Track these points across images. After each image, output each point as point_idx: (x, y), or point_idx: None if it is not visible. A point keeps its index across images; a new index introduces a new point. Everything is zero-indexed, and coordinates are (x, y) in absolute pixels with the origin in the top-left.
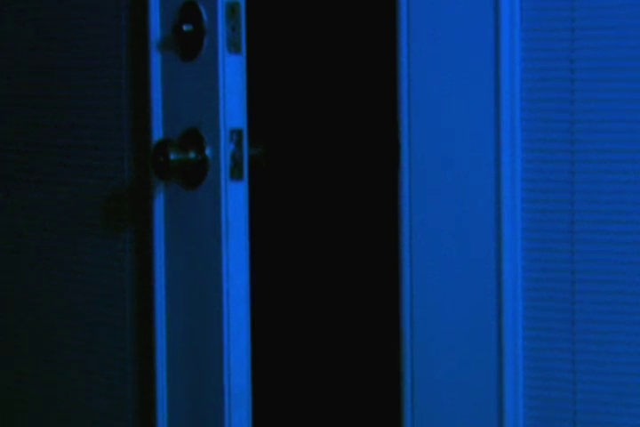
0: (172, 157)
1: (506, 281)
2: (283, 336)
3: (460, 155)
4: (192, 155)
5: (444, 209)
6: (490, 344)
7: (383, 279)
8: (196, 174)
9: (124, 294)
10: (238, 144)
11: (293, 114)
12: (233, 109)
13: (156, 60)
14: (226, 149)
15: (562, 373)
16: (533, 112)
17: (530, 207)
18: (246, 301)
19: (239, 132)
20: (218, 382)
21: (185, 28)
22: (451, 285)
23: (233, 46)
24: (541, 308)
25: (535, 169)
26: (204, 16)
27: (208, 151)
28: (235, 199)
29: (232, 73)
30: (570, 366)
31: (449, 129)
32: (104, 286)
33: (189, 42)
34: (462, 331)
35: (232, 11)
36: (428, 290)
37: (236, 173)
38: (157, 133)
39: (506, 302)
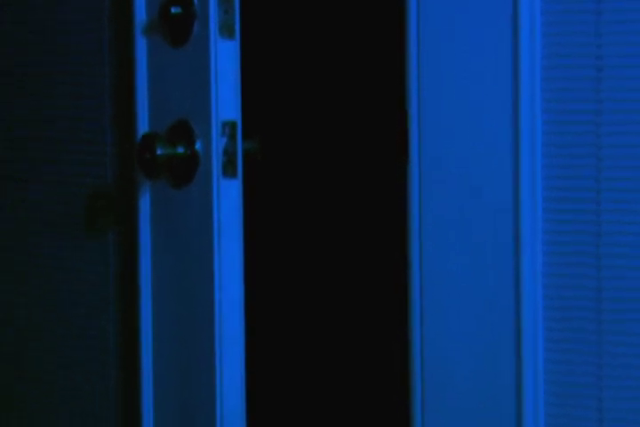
0: (159, 152)
1: (524, 284)
2: (283, 342)
3: (474, 147)
4: (181, 150)
5: (456, 208)
6: (507, 349)
7: (389, 281)
8: (185, 171)
9: (107, 303)
10: (231, 137)
11: (291, 105)
12: (226, 100)
13: (141, 45)
14: (218, 142)
15: (586, 404)
16: (554, 103)
17: (551, 207)
18: (240, 311)
19: (232, 125)
20: (208, 401)
21: (173, 10)
22: (463, 288)
23: (226, 31)
24: (563, 307)
25: (557, 165)
26: None
27: (198, 145)
28: (228, 198)
29: (225, 60)
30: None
31: (463, 120)
32: (84, 293)
33: (178, 26)
34: (475, 334)
35: None
36: (438, 293)
37: (229, 170)
38: (143, 126)
39: (525, 305)
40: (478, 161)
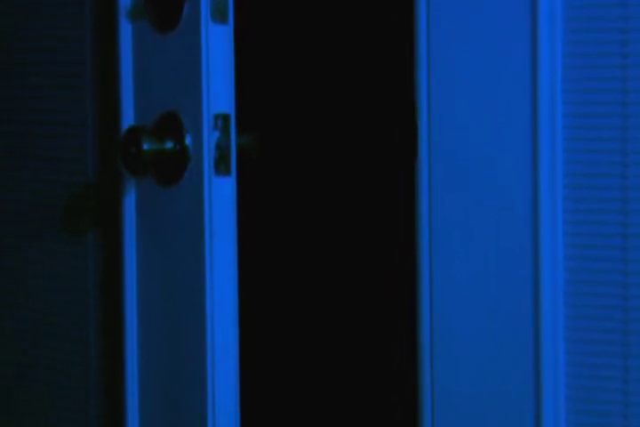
0: (145, 146)
1: (544, 290)
2: (282, 350)
3: (489, 143)
4: (169, 144)
5: (469, 209)
6: (525, 359)
7: (393, 285)
8: (173, 168)
9: (86, 315)
10: (224, 132)
11: (290, 97)
12: (218, 90)
13: (125, 31)
14: (210, 137)
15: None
16: (574, 93)
17: (572, 207)
18: (234, 320)
19: (225, 118)
20: (199, 420)
21: None
22: (477, 294)
23: (218, 14)
24: (586, 316)
25: (579, 160)
26: None
27: (188, 140)
28: (220, 198)
29: (217, 46)
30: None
31: (476, 113)
32: (62, 301)
33: (166, 9)
34: (489, 341)
35: None
36: (450, 298)
37: (221, 167)
38: (128, 119)
39: (544, 315)
40: (493, 158)
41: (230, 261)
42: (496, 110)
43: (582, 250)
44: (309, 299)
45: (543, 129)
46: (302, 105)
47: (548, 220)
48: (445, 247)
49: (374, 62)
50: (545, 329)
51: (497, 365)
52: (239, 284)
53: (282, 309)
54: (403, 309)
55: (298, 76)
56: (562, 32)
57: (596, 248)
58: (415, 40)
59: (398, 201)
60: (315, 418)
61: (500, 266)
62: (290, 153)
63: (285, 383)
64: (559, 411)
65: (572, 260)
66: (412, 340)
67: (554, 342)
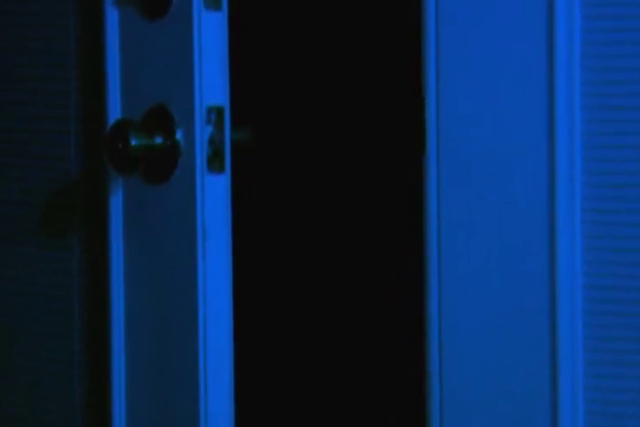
0: (133, 142)
1: (561, 295)
2: (281, 356)
3: (502, 138)
4: (159, 140)
5: (480, 208)
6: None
7: (396, 286)
8: (163, 165)
9: (71, 322)
10: (218, 126)
11: (288, 89)
12: (211, 81)
13: (112, 18)
14: (202, 131)
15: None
16: (594, 86)
17: (590, 206)
18: (228, 328)
19: (219, 111)
20: None
21: None
22: (488, 295)
23: (212, 0)
24: (605, 325)
25: (599, 158)
26: None
27: (179, 135)
28: (214, 197)
29: (210, 34)
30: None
31: (488, 106)
32: (44, 309)
33: None
34: (502, 347)
35: None
36: (460, 303)
37: (215, 163)
38: (114, 112)
39: (561, 310)
40: (507, 153)
41: (224, 265)
42: (510, 103)
43: (599, 240)
44: (310, 300)
45: (560, 126)
46: (302, 98)
47: (565, 219)
48: (454, 245)
49: (379, 53)
50: (562, 325)
51: (511, 362)
52: (235, 287)
53: (281, 310)
54: (409, 308)
55: (298, 67)
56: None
57: (617, 239)
58: (423, 29)
59: (402, 198)
60: (316, 420)
61: (515, 263)
62: (288, 149)
63: (286, 386)
64: (577, 414)
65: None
66: (419, 339)
67: (572, 340)
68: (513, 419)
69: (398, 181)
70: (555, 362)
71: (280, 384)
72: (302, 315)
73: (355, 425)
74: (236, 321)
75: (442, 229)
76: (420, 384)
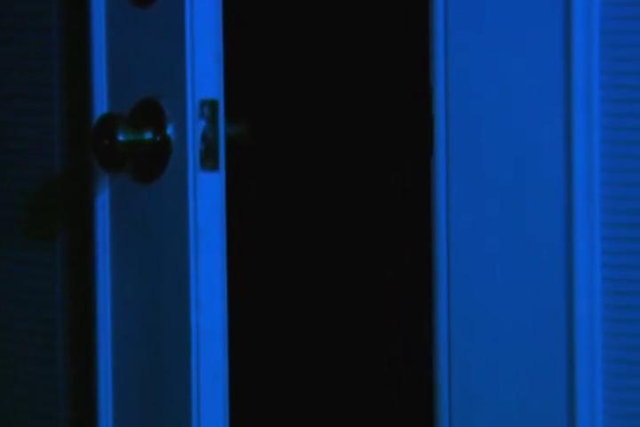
0: (120, 137)
1: (578, 299)
2: (281, 363)
3: (516, 133)
4: (148, 135)
5: (493, 209)
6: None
7: (396, 284)
8: (153, 162)
9: (53, 332)
10: (212, 120)
11: (286, 82)
12: (204, 73)
13: (98, 4)
14: (195, 126)
15: None
16: (613, 76)
17: (609, 207)
18: (223, 336)
19: (213, 104)
20: None
21: None
22: (502, 303)
23: None
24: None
25: (617, 155)
26: None
27: (170, 130)
28: (207, 196)
29: (203, 22)
30: None
31: (502, 98)
32: (24, 317)
33: None
34: (515, 344)
35: None
36: (472, 310)
37: (208, 161)
38: (101, 106)
39: (578, 308)
40: (521, 151)
41: (218, 269)
42: (525, 97)
43: (621, 267)
44: (309, 304)
45: (578, 123)
46: (302, 90)
47: (583, 219)
48: (465, 244)
49: (383, 44)
50: (579, 324)
51: (524, 362)
52: (231, 292)
53: (278, 315)
54: (409, 307)
55: (298, 57)
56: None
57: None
58: (430, 14)
59: (407, 198)
60: (314, 421)
61: (529, 262)
62: (287, 145)
63: (283, 388)
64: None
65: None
66: (417, 338)
67: (590, 338)
68: (527, 422)
69: (403, 181)
70: (572, 360)
71: (278, 387)
72: (299, 319)
73: (354, 425)
74: (232, 326)
75: (451, 229)
76: (419, 384)
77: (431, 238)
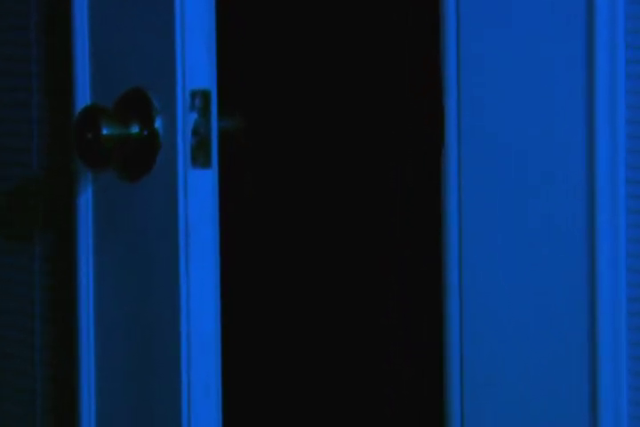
0: (104, 131)
1: (602, 303)
2: (276, 357)
3: (534, 122)
4: (135, 129)
5: (508, 206)
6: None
7: (397, 284)
8: (140, 158)
9: (32, 343)
10: (204, 113)
11: (285, 72)
12: (196, 61)
13: None
14: (185, 120)
15: None
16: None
17: (635, 206)
18: (215, 346)
19: (205, 95)
20: None
21: None
22: (517, 307)
23: None
24: None
25: None
26: None
27: (159, 123)
28: (198, 195)
29: (195, 6)
30: None
31: (517, 86)
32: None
33: None
34: (533, 340)
35: None
36: (486, 315)
37: (200, 157)
38: (83, 97)
39: (601, 304)
40: (540, 145)
41: (210, 272)
42: (545, 88)
43: None
44: (307, 308)
45: (601, 113)
46: (301, 81)
47: (606, 222)
48: (480, 251)
49: (386, 31)
50: (602, 320)
51: (542, 358)
52: (228, 293)
53: (274, 318)
54: (409, 306)
55: (296, 47)
56: None
57: None
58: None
59: (413, 197)
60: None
61: (547, 275)
62: (284, 139)
63: (281, 392)
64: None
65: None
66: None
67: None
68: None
69: (404, 177)
70: (594, 358)
71: (275, 387)
72: (297, 317)
73: (353, 425)
74: (228, 326)
75: (463, 226)
76: (419, 384)
77: (434, 236)
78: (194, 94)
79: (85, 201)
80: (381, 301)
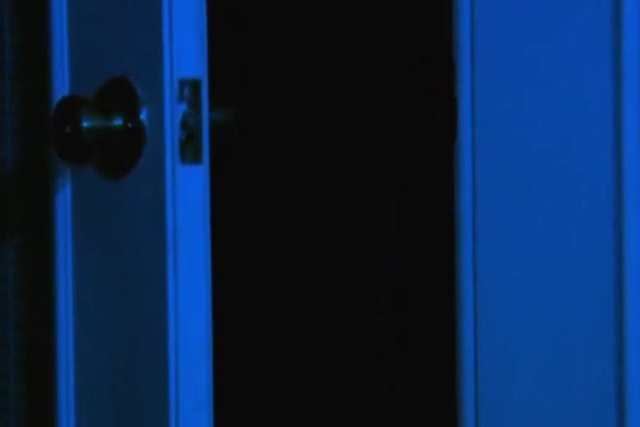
0: (84, 124)
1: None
2: (273, 361)
3: (556, 114)
4: (118, 121)
5: (528, 207)
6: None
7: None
8: (124, 153)
9: (5, 357)
10: (193, 104)
11: (281, 60)
12: (185, 47)
13: None
14: (173, 111)
15: None
16: None
17: None
18: (207, 356)
19: (195, 85)
20: None
21: None
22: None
23: None
24: None
25: None
26: None
27: (144, 115)
28: (188, 193)
29: None
30: None
31: (538, 72)
32: None
33: None
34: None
35: None
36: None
37: (189, 151)
38: (61, 87)
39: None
40: (561, 136)
41: (201, 277)
42: (569, 75)
43: None
44: (303, 299)
45: (629, 100)
46: (298, 69)
47: (634, 220)
48: (495, 255)
49: (391, 15)
50: (629, 316)
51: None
52: (222, 292)
53: (271, 311)
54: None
55: (292, 34)
56: None
57: None
58: None
59: (403, 190)
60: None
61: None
62: (279, 132)
63: (278, 396)
64: None
65: None
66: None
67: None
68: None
69: (400, 172)
70: (621, 364)
71: (267, 385)
72: (291, 315)
73: (346, 423)
74: (222, 326)
75: (478, 226)
76: (413, 381)
77: (429, 232)
78: (183, 84)
79: (63, 200)
80: (375, 297)
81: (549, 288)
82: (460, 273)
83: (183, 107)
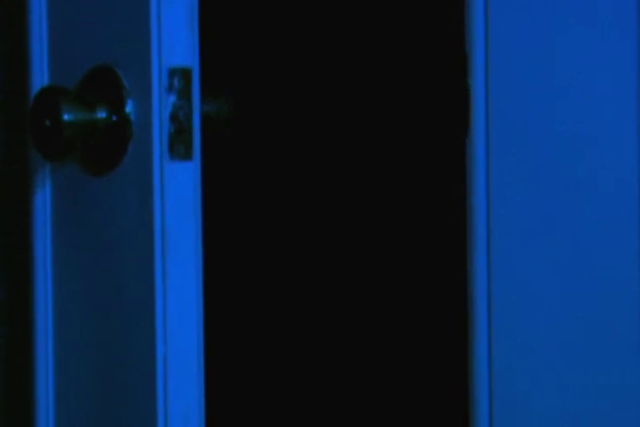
0: (65, 117)
1: None
2: (271, 367)
3: (575, 109)
4: (102, 114)
5: (546, 206)
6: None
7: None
8: (108, 148)
9: None
10: (183, 95)
11: (279, 48)
12: (175, 34)
13: None
14: (162, 103)
15: None
16: None
17: None
18: (197, 368)
19: (185, 75)
20: None
21: None
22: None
23: None
24: None
25: None
26: None
27: (130, 107)
28: (177, 191)
29: None
30: None
31: (555, 63)
32: None
33: None
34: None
35: None
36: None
37: (179, 147)
38: (40, 77)
39: None
40: (583, 132)
41: (192, 283)
42: (590, 68)
43: None
44: (301, 300)
45: None
46: (298, 57)
47: None
48: (512, 251)
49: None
50: None
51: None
52: (213, 301)
53: (271, 312)
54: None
55: (290, 21)
56: None
57: None
58: None
59: (426, 194)
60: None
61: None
62: (276, 126)
63: (277, 401)
64: None
65: None
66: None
67: None
68: None
69: (403, 166)
70: None
71: (267, 386)
72: (291, 316)
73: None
74: (219, 326)
75: (491, 225)
76: (411, 380)
77: (433, 229)
78: (172, 73)
79: (42, 198)
80: (379, 297)
81: (568, 287)
82: (473, 270)
83: (172, 98)
